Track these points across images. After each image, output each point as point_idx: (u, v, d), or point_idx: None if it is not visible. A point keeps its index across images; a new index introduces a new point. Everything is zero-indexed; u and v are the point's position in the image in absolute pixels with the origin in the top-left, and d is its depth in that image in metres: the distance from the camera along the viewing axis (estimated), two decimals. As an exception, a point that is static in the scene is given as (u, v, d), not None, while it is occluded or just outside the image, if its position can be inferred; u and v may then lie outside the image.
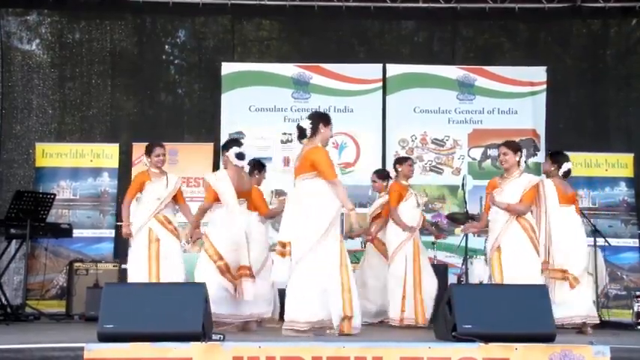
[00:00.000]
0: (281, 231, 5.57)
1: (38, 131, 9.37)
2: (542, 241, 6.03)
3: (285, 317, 5.42)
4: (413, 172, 7.31)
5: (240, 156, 6.12)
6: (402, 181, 7.12)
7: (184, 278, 6.28)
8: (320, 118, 5.67)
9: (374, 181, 7.51)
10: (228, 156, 6.13)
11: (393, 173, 7.29)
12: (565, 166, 6.46)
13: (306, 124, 5.61)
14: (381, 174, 7.51)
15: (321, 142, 5.61)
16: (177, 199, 6.52)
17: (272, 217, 6.99)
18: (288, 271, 5.44)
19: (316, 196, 5.45)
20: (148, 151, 6.51)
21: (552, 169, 6.43)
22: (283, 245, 5.46)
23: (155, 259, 6.20)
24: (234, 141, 6.42)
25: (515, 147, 6.08)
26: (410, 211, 6.99)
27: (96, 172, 9.11)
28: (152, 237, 6.25)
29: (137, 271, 6.20)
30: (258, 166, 7.05)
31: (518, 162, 6.01)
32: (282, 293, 6.71)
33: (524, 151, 6.17)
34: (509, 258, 5.80)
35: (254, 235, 6.61)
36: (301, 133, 5.62)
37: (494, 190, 6.07)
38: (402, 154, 9.22)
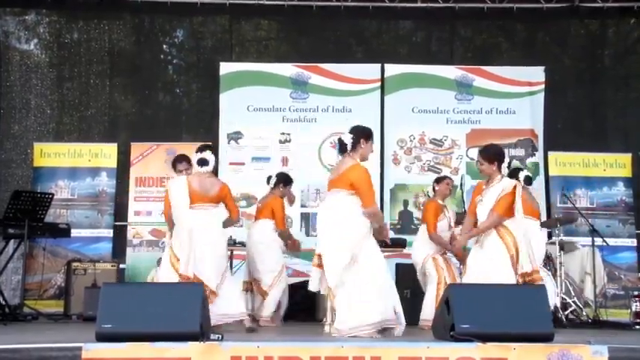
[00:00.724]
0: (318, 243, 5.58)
1: (36, 131, 9.37)
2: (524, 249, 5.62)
3: (346, 324, 5.25)
4: (450, 191, 7.22)
5: (200, 162, 5.99)
6: (438, 199, 7.04)
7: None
8: (362, 133, 5.60)
9: None
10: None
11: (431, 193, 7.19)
12: (521, 175, 6.51)
13: (348, 139, 5.53)
14: None
15: (360, 157, 5.56)
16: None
17: (284, 236, 7.10)
18: (320, 281, 5.47)
19: (352, 213, 5.42)
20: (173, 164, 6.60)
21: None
22: (318, 257, 5.48)
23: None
24: (201, 147, 6.21)
25: (489, 156, 5.75)
26: (441, 233, 6.85)
27: (94, 171, 9.10)
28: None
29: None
30: (282, 179, 7.20)
31: (499, 168, 5.72)
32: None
33: (506, 157, 5.78)
34: (481, 266, 5.55)
35: (269, 243, 6.83)
36: (342, 147, 5.57)
37: (476, 197, 5.84)
38: (400, 154, 9.25)
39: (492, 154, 5.78)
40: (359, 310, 5.23)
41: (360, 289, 5.30)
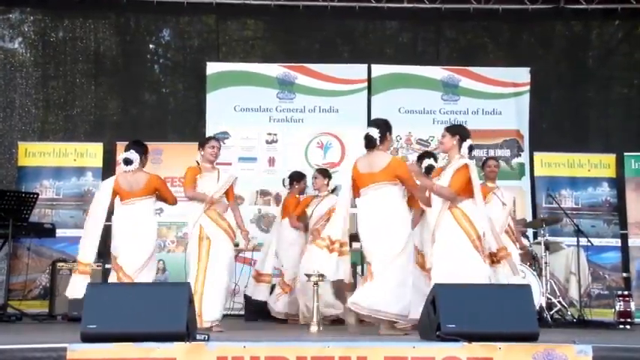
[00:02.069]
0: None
1: (21, 130, 9.31)
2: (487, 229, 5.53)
3: (367, 302, 5.48)
4: (493, 172, 7.15)
5: (125, 161, 6.29)
6: (487, 183, 7.02)
7: (227, 281, 6.23)
8: (387, 126, 5.80)
9: (315, 178, 7.47)
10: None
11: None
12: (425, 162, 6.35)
13: (375, 133, 5.69)
14: (324, 172, 7.57)
15: (387, 149, 5.81)
16: (227, 195, 6.37)
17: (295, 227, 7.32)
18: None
19: (402, 203, 5.71)
20: (202, 144, 6.43)
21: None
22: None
23: (205, 259, 6.07)
24: (126, 146, 6.48)
25: (452, 129, 5.75)
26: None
27: (79, 171, 9.04)
28: (202, 235, 6.11)
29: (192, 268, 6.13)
30: (294, 177, 7.58)
31: (459, 145, 5.61)
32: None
33: (469, 140, 5.63)
34: (443, 253, 5.50)
35: (290, 240, 7.19)
36: (370, 142, 5.71)
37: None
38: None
39: (456, 128, 5.84)
40: (390, 295, 5.48)
41: (399, 278, 5.53)
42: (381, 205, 5.65)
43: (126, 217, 6.24)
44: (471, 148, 5.67)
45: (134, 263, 6.04)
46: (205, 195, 6.16)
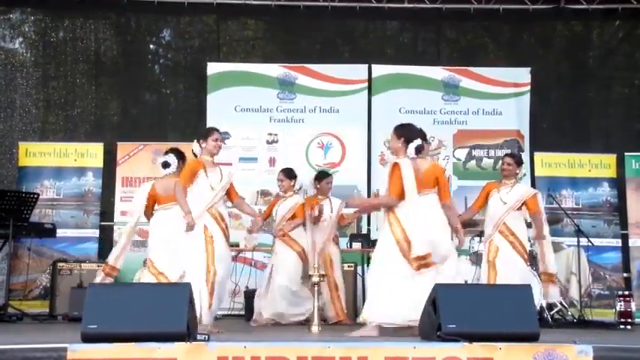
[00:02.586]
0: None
1: (21, 130, 9.31)
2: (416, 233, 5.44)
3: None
4: (505, 170, 6.83)
5: (163, 165, 6.38)
6: (503, 180, 6.87)
7: (226, 281, 6.17)
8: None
9: (281, 180, 7.40)
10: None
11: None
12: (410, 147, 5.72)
13: (420, 141, 5.65)
14: (288, 173, 7.45)
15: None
16: (230, 194, 6.18)
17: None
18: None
19: (440, 210, 5.64)
20: (204, 136, 6.08)
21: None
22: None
23: (212, 257, 5.81)
24: (166, 151, 6.57)
25: (397, 132, 5.67)
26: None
27: (80, 171, 9.04)
28: (208, 233, 5.83)
29: (195, 268, 5.76)
30: (314, 179, 7.44)
31: (404, 147, 5.58)
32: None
33: (417, 140, 5.57)
34: (375, 256, 5.61)
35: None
36: (419, 150, 5.66)
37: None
38: (388, 154, 9.24)
39: (402, 130, 5.71)
40: None
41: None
42: (436, 213, 5.65)
43: (162, 221, 6.21)
44: (419, 149, 5.61)
45: (175, 272, 5.92)
46: (189, 211, 5.79)
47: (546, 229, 6.85)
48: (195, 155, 6.12)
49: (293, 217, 7.23)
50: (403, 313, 5.27)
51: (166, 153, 6.47)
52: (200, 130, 6.74)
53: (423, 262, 5.36)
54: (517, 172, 6.80)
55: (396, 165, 5.53)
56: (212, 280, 5.75)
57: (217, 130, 6.20)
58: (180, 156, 6.41)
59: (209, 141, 6.04)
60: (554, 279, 6.91)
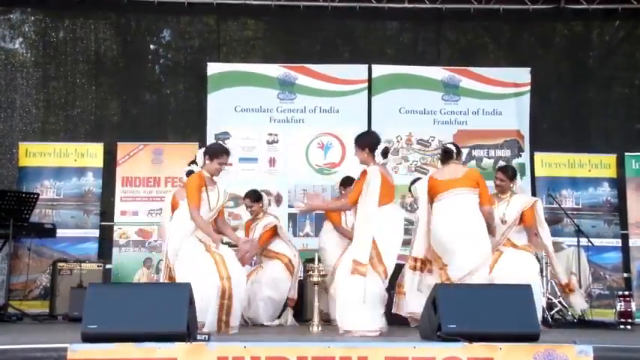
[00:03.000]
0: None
1: (22, 130, 9.31)
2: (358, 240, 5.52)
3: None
4: (498, 187, 6.73)
5: (187, 174, 6.38)
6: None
7: None
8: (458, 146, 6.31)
9: (250, 206, 7.29)
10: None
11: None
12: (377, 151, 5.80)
13: (452, 147, 6.18)
14: (254, 196, 7.31)
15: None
16: (219, 212, 5.98)
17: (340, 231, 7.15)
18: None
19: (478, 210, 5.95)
20: (214, 154, 5.83)
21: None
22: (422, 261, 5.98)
23: (222, 263, 5.65)
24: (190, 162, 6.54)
25: (358, 143, 5.77)
26: None
27: (80, 171, 9.04)
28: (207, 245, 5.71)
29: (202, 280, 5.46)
30: (345, 182, 7.21)
31: (371, 156, 5.67)
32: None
33: (381, 144, 5.69)
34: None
35: (327, 242, 7.04)
36: (448, 155, 6.11)
37: None
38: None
39: (362, 140, 5.78)
40: None
41: None
42: (465, 212, 5.90)
43: (176, 223, 5.91)
44: (385, 152, 5.68)
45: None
46: (212, 232, 5.71)
47: (549, 242, 6.69)
48: (196, 163, 6.05)
49: (269, 234, 7.13)
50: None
51: (189, 164, 6.49)
52: (213, 146, 6.42)
53: (356, 267, 5.43)
54: (512, 185, 6.62)
55: (364, 173, 5.59)
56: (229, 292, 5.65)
57: (228, 154, 5.95)
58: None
59: (215, 162, 5.83)
60: (571, 287, 6.85)
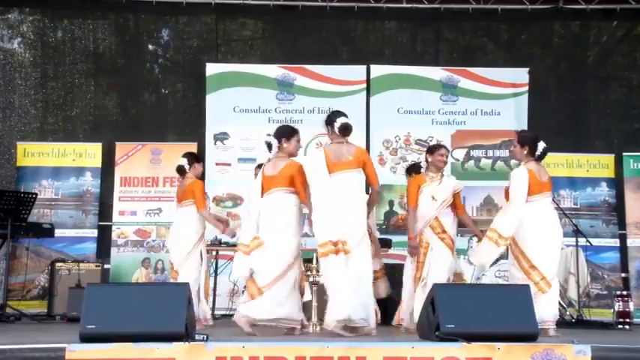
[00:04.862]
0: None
1: (20, 130, 9.31)
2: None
3: None
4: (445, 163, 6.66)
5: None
6: (429, 172, 6.56)
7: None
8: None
9: None
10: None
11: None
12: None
13: (344, 119, 6.15)
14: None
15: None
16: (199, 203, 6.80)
17: None
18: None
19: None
20: (197, 159, 7.02)
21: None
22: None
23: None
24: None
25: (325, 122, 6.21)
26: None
27: (78, 171, 9.04)
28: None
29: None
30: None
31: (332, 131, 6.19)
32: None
33: (335, 121, 6.06)
34: None
35: None
36: (345, 128, 6.17)
37: None
38: (386, 154, 9.27)
39: (326, 119, 6.16)
40: None
41: None
42: None
43: (176, 219, 6.85)
44: (344, 128, 5.97)
45: (175, 261, 6.47)
46: (221, 218, 6.96)
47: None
48: (184, 169, 6.77)
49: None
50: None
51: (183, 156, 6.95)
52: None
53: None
54: (524, 152, 6.48)
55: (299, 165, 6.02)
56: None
57: (201, 161, 7.15)
58: (192, 158, 6.92)
59: (196, 166, 6.86)
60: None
